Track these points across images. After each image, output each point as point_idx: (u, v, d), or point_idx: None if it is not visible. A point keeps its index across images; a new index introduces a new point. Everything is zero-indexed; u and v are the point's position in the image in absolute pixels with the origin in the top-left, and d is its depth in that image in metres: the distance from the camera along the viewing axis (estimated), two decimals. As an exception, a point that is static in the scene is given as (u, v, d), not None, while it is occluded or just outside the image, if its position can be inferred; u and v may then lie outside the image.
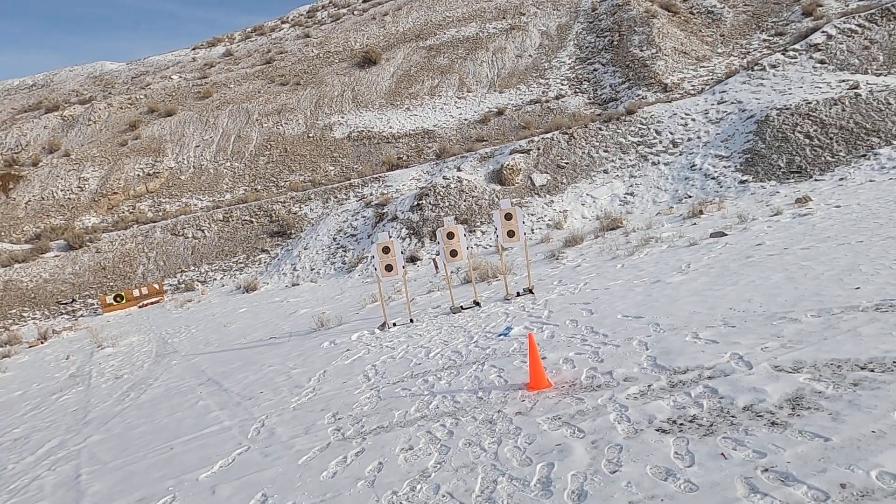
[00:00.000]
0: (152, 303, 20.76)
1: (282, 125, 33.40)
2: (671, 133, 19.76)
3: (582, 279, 9.61)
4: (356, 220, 21.15)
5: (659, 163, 18.68)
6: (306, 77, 38.39)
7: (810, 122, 16.61)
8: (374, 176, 25.10)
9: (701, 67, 26.73)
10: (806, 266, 7.12)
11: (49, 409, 8.59)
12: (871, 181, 13.18)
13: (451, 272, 13.31)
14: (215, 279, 21.58)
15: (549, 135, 21.74)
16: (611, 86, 28.12)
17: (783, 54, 21.81)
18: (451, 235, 9.44)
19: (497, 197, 18.86)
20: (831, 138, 15.89)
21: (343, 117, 32.94)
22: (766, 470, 3.02)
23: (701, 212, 13.99)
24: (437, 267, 15.17)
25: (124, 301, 20.60)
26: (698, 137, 19.00)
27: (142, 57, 58.53)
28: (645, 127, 20.52)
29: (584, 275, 10.00)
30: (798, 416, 3.52)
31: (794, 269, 7.07)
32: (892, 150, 14.66)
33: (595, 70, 30.19)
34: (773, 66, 21.16)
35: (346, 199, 23.65)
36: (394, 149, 29.03)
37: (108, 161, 32.71)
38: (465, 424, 4.48)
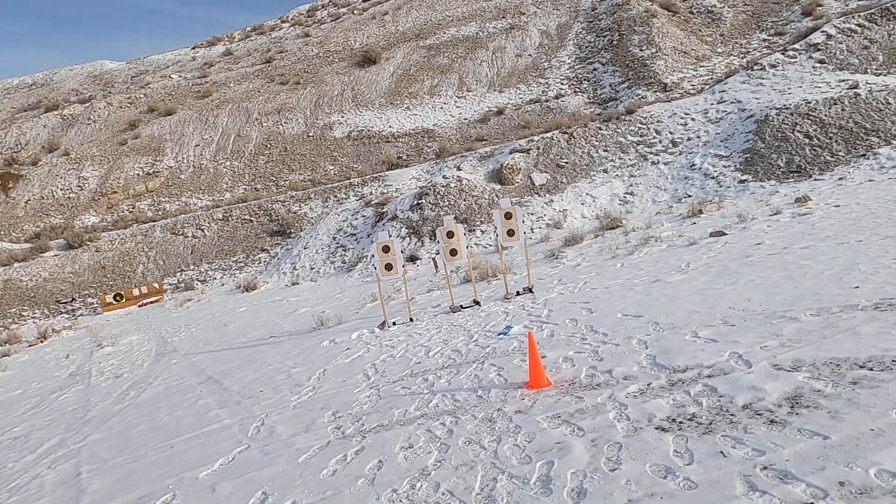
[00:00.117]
0: (152, 302, 20.76)
1: (281, 124, 33.39)
2: (671, 132, 19.77)
3: (581, 278, 9.62)
4: (356, 219, 21.15)
5: (658, 162, 18.69)
6: (306, 76, 38.38)
7: (810, 121, 16.62)
8: (374, 175, 25.11)
9: (700, 67, 26.74)
10: (805, 265, 7.13)
11: (49, 407, 8.60)
12: (870, 181, 13.20)
13: (451, 271, 13.32)
14: (215, 278, 21.58)
15: (548, 134, 21.75)
16: (610, 85, 28.12)
17: (783, 54, 21.82)
18: (450, 234, 9.44)
19: (497, 196, 18.87)
20: (831, 138, 15.90)
21: (343, 117, 32.94)
22: (765, 468, 3.03)
23: (700, 211, 14.00)
24: (436, 266, 15.17)
25: (124, 300, 20.60)
26: (698, 137, 19.01)
27: (141, 56, 58.47)
28: (644, 126, 20.53)
29: (584, 274, 10.01)
30: (797, 414, 3.53)
31: (793, 269, 7.08)
32: (891, 150, 14.67)
33: (595, 69, 30.20)
34: (773, 66, 21.17)
35: (345, 199, 23.66)
36: (393, 148, 29.03)
37: (107, 160, 32.69)
38: (464, 423, 4.48)
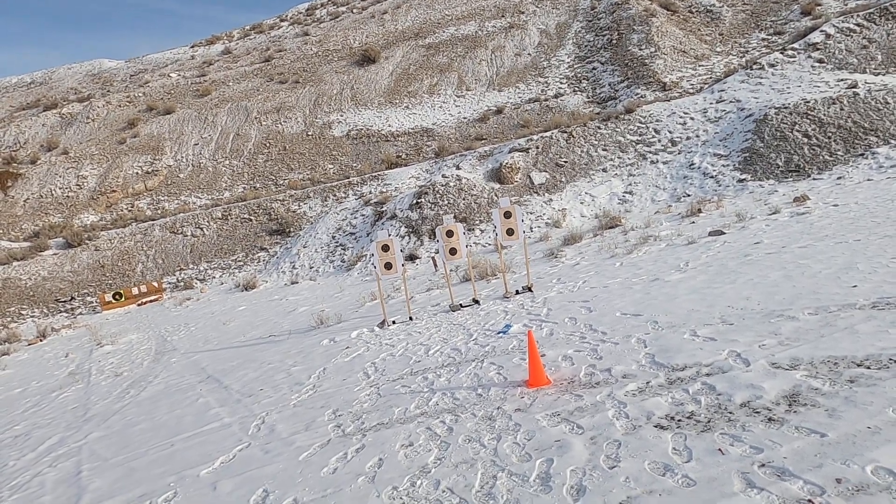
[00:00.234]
0: (151, 301, 20.77)
1: (281, 123, 33.38)
2: (670, 132, 19.80)
3: (581, 277, 9.64)
4: (355, 218, 21.17)
5: (658, 161, 18.72)
6: (305, 75, 38.37)
7: (808, 121, 16.65)
8: (374, 174, 25.11)
9: (700, 66, 26.77)
10: (804, 264, 7.15)
11: (49, 406, 8.61)
12: (868, 180, 13.23)
13: (451, 270, 13.34)
14: (214, 277, 21.59)
15: (548, 133, 21.77)
16: (610, 84, 28.14)
17: (782, 53, 21.85)
18: (450, 233, 9.46)
19: (496, 195, 18.89)
20: (829, 137, 15.94)
21: (342, 115, 32.94)
22: (763, 465, 3.05)
23: (699, 210, 14.03)
24: (435, 265, 15.19)
25: (123, 299, 20.60)
26: (697, 136, 19.04)
27: (140, 55, 58.39)
28: (644, 126, 20.55)
29: (583, 273, 10.03)
30: (795, 412, 3.55)
31: (791, 268, 7.11)
32: (889, 150, 14.70)
33: (594, 69, 30.22)
34: (772, 65, 21.20)
35: (345, 198, 23.67)
36: (393, 147, 29.04)
37: (106, 159, 32.67)
38: (464, 421, 4.51)
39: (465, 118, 29.97)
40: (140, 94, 40.32)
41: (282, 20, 57.36)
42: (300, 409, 5.77)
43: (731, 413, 3.72)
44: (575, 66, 31.29)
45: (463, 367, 5.92)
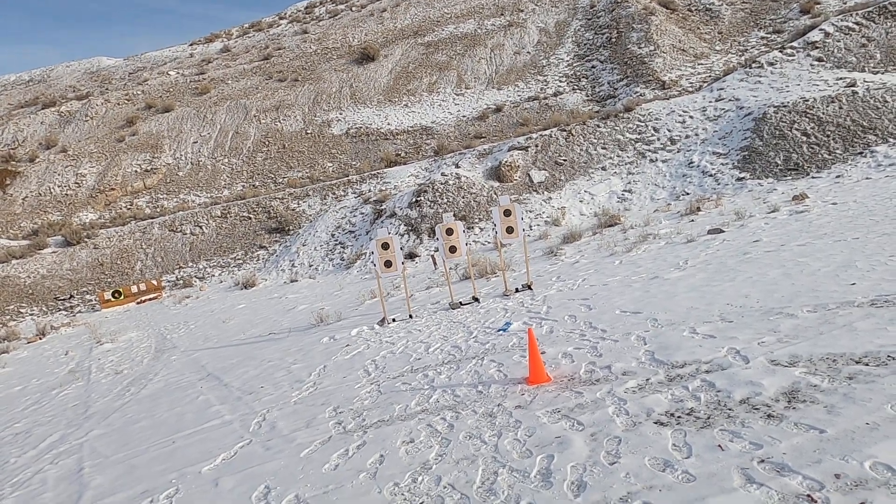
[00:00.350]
0: (150, 299, 20.76)
1: (280, 121, 33.36)
2: (669, 130, 19.82)
3: (580, 275, 9.67)
4: (354, 216, 21.17)
5: (657, 160, 18.74)
6: (304, 73, 38.34)
7: (807, 119, 16.68)
8: (373, 172, 25.11)
9: (699, 65, 26.79)
10: (802, 262, 7.18)
11: (49, 403, 8.62)
12: (867, 178, 13.25)
13: (450, 268, 13.35)
14: (213, 275, 21.59)
15: (547, 132, 21.78)
16: (609, 83, 28.15)
17: (781, 52, 21.87)
18: (450, 232, 9.48)
19: (495, 194, 18.91)
20: (828, 136, 15.96)
21: (341, 114, 32.92)
22: (763, 461, 3.07)
23: (698, 209, 14.05)
24: (435, 263, 15.21)
25: (122, 297, 20.60)
26: (696, 135, 19.06)
27: (139, 53, 58.29)
28: (643, 124, 20.57)
29: (583, 271, 10.05)
30: (794, 408, 3.57)
31: (790, 266, 7.13)
32: (888, 148, 14.73)
33: (593, 67, 30.22)
34: (771, 64, 21.22)
35: (344, 196, 23.67)
36: (392, 145, 29.03)
37: (105, 157, 32.64)
38: (465, 418, 4.53)
39: (464, 116, 29.97)
40: (139, 92, 40.25)
41: (281, 18, 57.28)
42: (301, 407, 5.79)
43: (730, 409, 3.74)
44: (574, 65, 31.30)
45: (463, 365, 5.94)
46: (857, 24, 21.80)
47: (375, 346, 7.79)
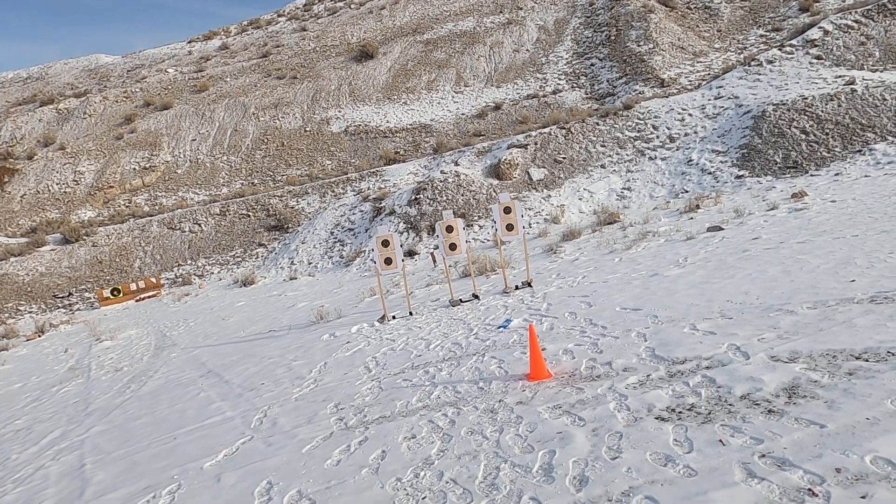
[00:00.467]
0: (149, 297, 20.75)
1: (278, 119, 33.32)
2: (668, 128, 19.83)
3: (580, 272, 9.68)
4: (353, 214, 21.17)
5: (656, 158, 18.75)
6: (303, 71, 38.28)
7: (806, 117, 16.70)
8: (372, 170, 25.10)
9: (698, 63, 26.79)
10: (802, 259, 7.20)
11: (50, 401, 8.62)
12: (866, 176, 13.28)
13: (450, 266, 13.36)
14: (212, 273, 21.58)
15: (546, 129, 21.78)
16: (608, 81, 28.15)
17: (780, 50, 21.88)
18: (450, 229, 9.49)
19: (495, 191, 18.91)
20: (827, 134, 15.99)
21: (340, 111, 32.89)
22: (764, 455, 3.09)
23: (698, 206, 14.08)
24: (434, 261, 15.22)
25: (121, 295, 20.58)
26: (695, 132, 19.08)
27: (137, 50, 58.19)
28: (642, 122, 20.58)
29: (583, 268, 10.07)
30: (794, 404, 3.59)
31: (790, 263, 7.15)
32: (887, 146, 14.76)
33: (592, 65, 30.21)
34: (770, 62, 21.24)
35: (343, 194, 23.66)
36: (391, 143, 29.02)
37: (103, 155, 32.58)
38: (466, 414, 4.54)
39: (463, 114, 29.95)
40: (137, 90, 40.17)
41: (279, 15, 57.15)
42: (302, 403, 5.80)
43: (731, 405, 3.75)
44: (573, 63, 31.29)
45: (464, 361, 5.96)
46: (855, 22, 21.82)
47: (376, 342, 7.80)
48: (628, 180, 18.29)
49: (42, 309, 20.47)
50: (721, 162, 17.15)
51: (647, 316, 6.14)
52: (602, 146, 20.17)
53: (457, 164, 21.80)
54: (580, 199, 18.07)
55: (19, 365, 12.56)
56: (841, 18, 22.29)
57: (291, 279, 18.47)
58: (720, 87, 20.96)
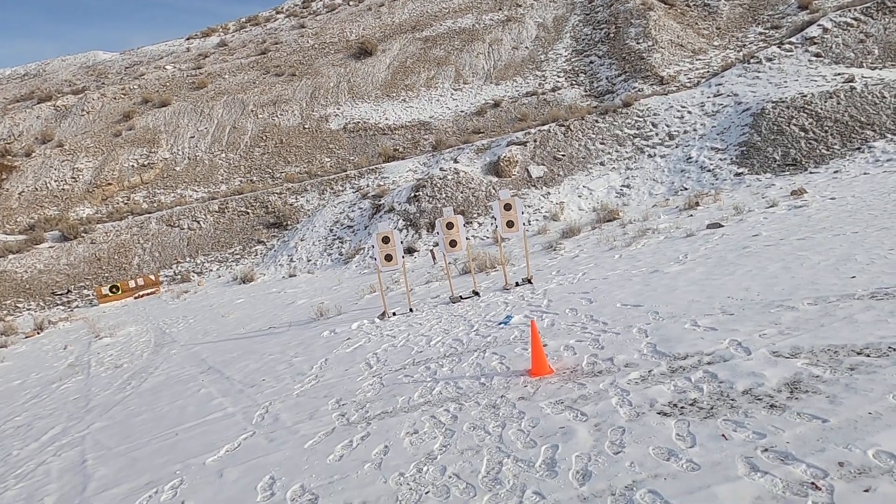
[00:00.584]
0: (148, 294, 20.73)
1: (277, 116, 33.26)
2: (667, 125, 19.84)
3: (580, 269, 9.69)
4: (353, 211, 21.15)
5: (655, 155, 18.76)
6: (302, 68, 38.21)
7: (805, 115, 16.71)
8: (371, 167, 25.08)
9: (697, 60, 26.79)
10: (802, 256, 7.21)
11: (50, 397, 8.61)
12: (865, 174, 13.30)
13: (450, 262, 13.36)
14: (211, 270, 21.56)
15: (545, 127, 21.77)
16: (607, 78, 28.14)
17: (779, 47, 21.89)
18: (450, 226, 9.48)
19: (494, 189, 18.90)
20: (826, 131, 16.00)
21: (339, 108, 32.84)
22: (766, 450, 3.10)
23: (697, 203, 14.09)
24: (434, 258, 15.22)
25: (120, 292, 20.56)
26: (694, 130, 19.08)
27: (135, 47, 57.99)
28: (641, 119, 20.58)
29: (583, 265, 10.07)
30: (796, 399, 3.60)
31: (790, 259, 7.16)
32: (886, 143, 14.78)
33: (591, 62, 30.19)
34: (769, 60, 21.24)
35: (342, 191, 23.64)
36: (390, 140, 28.99)
37: (102, 152, 32.50)
38: (468, 409, 4.54)
39: (462, 111, 29.93)
40: (135, 87, 40.07)
41: (278, 12, 57.03)
42: (303, 399, 5.80)
43: (733, 400, 3.76)
44: (572, 60, 31.26)
45: (465, 357, 5.96)
46: (855, 19, 21.83)
47: (376, 339, 7.80)
48: (627, 178, 18.30)
49: (41, 306, 20.44)
50: (720, 159, 17.17)
51: (648, 312, 6.15)
52: (601, 143, 20.17)
53: (456, 161, 21.79)
54: (579, 196, 18.08)
55: (18, 362, 12.54)
56: (840, 16, 22.30)
57: (291, 276, 18.46)
58: (719, 84, 20.97)
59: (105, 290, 20.47)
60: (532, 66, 32.11)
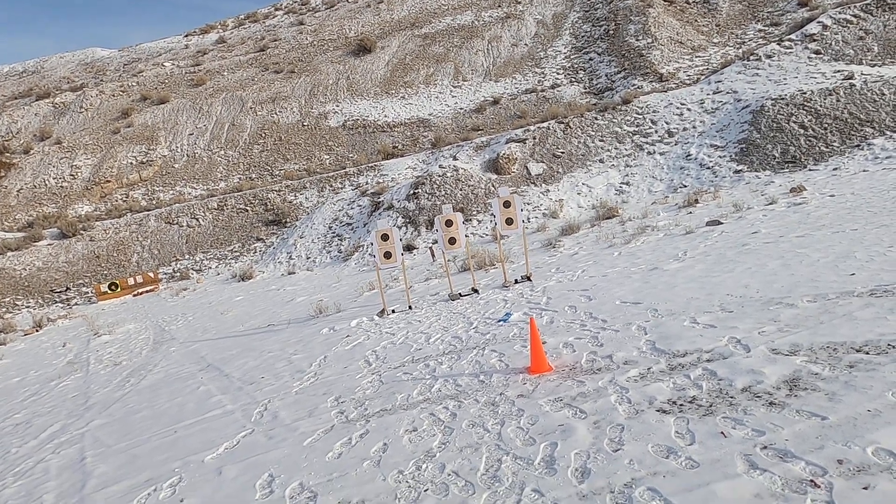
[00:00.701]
0: (147, 291, 20.71)
1: (276, 113, 33.20)
2: (667, 123, 19.82)
3: (579, 267, 9.69)
4: (352, 208, 21.13)
5: (654, 152, 18.75)
6: (300, 65, 38.12)
7: (805, 112, 16.70)
8: (370, 165, 25.05)
9: (696, 57, 26.75)
10: (801, 253, 7.21)
11: (49, 395, 8.61)
12: (864, 171, 13.30)
13: (449, 260, 13.35)
14: (210, 268, 21.54)
15: (544, 124, 21.75)
16: (606, 75, 28.10)
17: (779, 44, 21.86)
18: (449, 223, 9.47)
19: (493, 186, 18.89)
20: (826, 128, 15.99)
21: (338, 106, 32.78)
22: (766, 447, 3.10)
23: (696, 201, 14.08)
24: (433, 255, 15.21)
25: (119, 289, 20.54)
26: (694, 127, 19.07)
27: (134, 44, 57.84)
28: (640, 116, 20.56)
29: (582, 262, 10.07)
30: (795, 396, 3.60)
31: (789, 257, 7.16)
32: (885, 141, 14.77)
33: (591, 59, 30.15)
34: (769, 56, 21.21)
35: (341, 188, 23.61)
36: (389, 137, 28.95)
37: (100, 149, 32.44)
38: (467, 407, 4.54)
39: (461, 109, 29.89)
40: (134, 84, 39.97)
41: (276, 9, 56.86)
42: (302, 397, 5.80)
43: (732, 397, 3.76)
44: (572, 57, 31.21)
45: (464, 355, 5.96)
46: (854, 16, 21.80)
47: (376, 336, 7.80)
48: (627, 175, 18.28)
49: (39, 303, 20.42)
50: (720, 157, 17.16)
51: (647, 309, 6.15)
52: (600, 141, 20.15)
53: (455, 158, 21.77)
54: (579, 193, 18.07)
55: (17, 359, 12.54)
56: (840, 13, 22.27)
57: (290, 274, 18.45)
58: (719, 81, 20.94)
59: (104, 287, 20.45)
60: (531, 64, 32.06)
